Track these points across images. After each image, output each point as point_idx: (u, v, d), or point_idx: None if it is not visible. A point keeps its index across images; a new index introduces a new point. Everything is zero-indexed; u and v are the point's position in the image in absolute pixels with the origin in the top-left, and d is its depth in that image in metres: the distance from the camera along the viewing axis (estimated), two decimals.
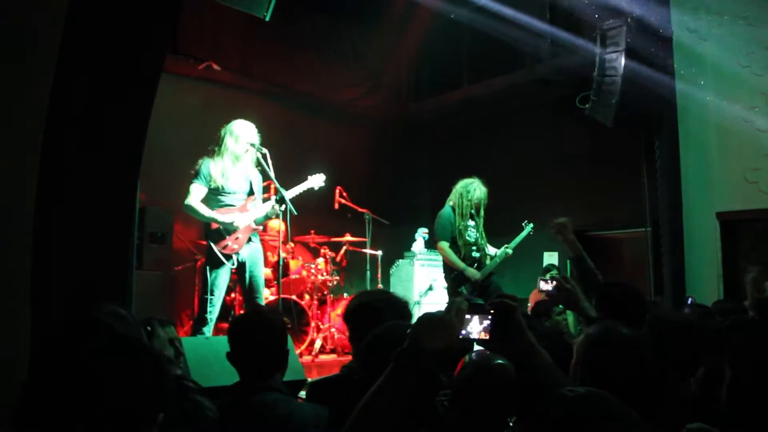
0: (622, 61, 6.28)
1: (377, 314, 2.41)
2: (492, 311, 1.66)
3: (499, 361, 2.12)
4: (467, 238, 6.16)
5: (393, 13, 9.35)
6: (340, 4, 8.92)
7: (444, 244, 6.16)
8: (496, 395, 2.03)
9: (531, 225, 6.40)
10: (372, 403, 1.43)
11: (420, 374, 1.44)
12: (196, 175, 5.07)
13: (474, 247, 6.19)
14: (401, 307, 2.59)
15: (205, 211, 5.03)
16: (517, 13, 7.58)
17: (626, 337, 2.01)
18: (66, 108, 2.65)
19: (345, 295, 7.98)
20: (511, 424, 2.13)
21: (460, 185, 6.30)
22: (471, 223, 6.25)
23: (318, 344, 7.05)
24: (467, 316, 1.62)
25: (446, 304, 1.61)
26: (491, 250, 6.39)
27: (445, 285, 6.47)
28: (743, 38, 6.38)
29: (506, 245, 6.29)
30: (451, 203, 6.30)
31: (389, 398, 1.43)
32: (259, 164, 5.18)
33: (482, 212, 6.25)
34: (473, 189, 6.21)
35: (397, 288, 8.01)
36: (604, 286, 3.09)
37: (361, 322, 2.51)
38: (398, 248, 8.62)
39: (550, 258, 8.49)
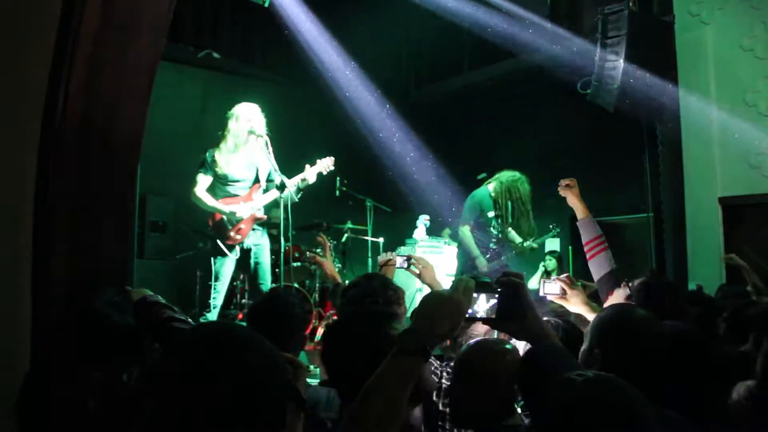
0: (624, 46, 6.24)
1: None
2: (499, 289, 1.58)
3: (507, 346, 2.12)
4: (491, 229, 6.12)
5: None
6: None
7: (465, 229, 6.12)
8: (501, 380, 2.02)
9: (558, 229, 6.31)
10: (377, 385, 1.35)
11: (426, 355, 1.37)
12: (202, 165, 5.07)
13: (494, 240, 6.16)
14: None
15: (209, 201, 5.03)
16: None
17: (642, 318, 1.97)
18: (65, 96, 2.64)
19: (347, 282, 7.95)
20: (519, 409, 2.12)
21: (506, 176, 6.18)
22: (502, 213, 6.19)
23: (321, 332, 7.06)
24: (474, 295, 1.53)
25: (452, 282, 1.52)
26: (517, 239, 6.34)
27: (454, 270, 6.47)
28: (746, 21, 6.33)
29: (533, 239, 6.21)
30: (490, 187, 6.20)
31: (394, 380, 1.35)
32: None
33: (529, 206, 6.13)
34: (518, 184, 6.11)
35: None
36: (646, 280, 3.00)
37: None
38: (400, 235, 8.61)
39: (552, 244, 8.48)
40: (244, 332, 1.23)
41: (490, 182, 6.24)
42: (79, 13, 2.59)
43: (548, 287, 2.87)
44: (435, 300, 1.46)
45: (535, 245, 6.21)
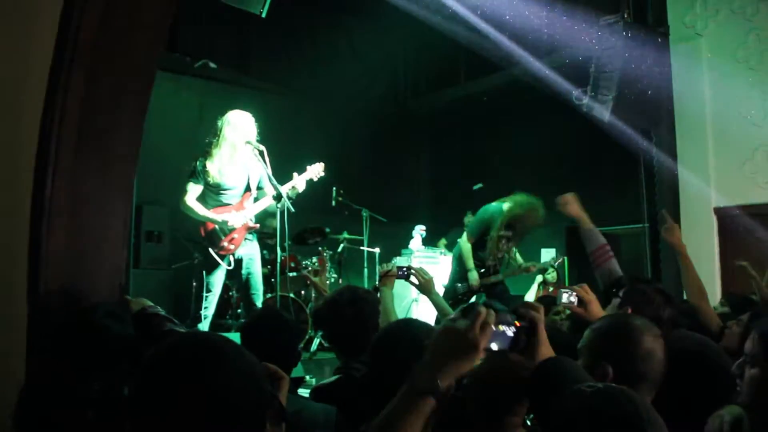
0: (619, 56, 6.27)
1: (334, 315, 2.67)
2: (516, 323, 1.51)
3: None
4: (492, 247, 6.10)
5: (390, 8, 9.32)
6: (337, 1, 8.90)
7: (465, 241, 6.11)
8: (513, 391, 2.01)
9: (558, 260, 6.29)
10: (386, 424, 1.30)
11: (438, 395, 1.30)
12: (192, 173, 5.02)
13: (491, 257, 6.14)
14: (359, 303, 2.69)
15: (201, 210, 4.99)
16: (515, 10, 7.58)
17: (635, 326, 1.95)
18: (62, 106, 2.63)
19: None
20: (528, 422, 2.10)
21: (527, 200, 6.09)
22: (507, 234, 6.17)
23: (316, 342, 7.04)
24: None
25: (462, 310, 1.41)
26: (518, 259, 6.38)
27: (447, 280, 6.46)
28: (740, 33, 6.37)
29: (534, 262, 6.27)
30: (506, 207, 6.09)
31: (404, 419, 1.28)
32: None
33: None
34: (534, 212, 6.04)
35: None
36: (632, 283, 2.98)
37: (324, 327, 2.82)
38: (396, 245, 8.61)
39: (548, 254, 8.48)
40: (221, 342, 1.22)
41: (506, 201, 6.16)
42: (78, 20, 2.59)
43: (566, 297, 2.84)
44: (451, 335, 1.38)
45: (533, 268, 6.24)
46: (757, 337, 1.87)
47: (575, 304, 2.81)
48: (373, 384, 1.77)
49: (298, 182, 5.17)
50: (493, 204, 6.18)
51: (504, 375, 2.04)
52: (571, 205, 3.64)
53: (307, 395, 2.67)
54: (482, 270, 6.09)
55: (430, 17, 8.70)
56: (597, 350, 1.88)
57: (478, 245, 6.11)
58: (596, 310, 2.81)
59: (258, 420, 1.18)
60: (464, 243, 6.13)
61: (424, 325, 1.87)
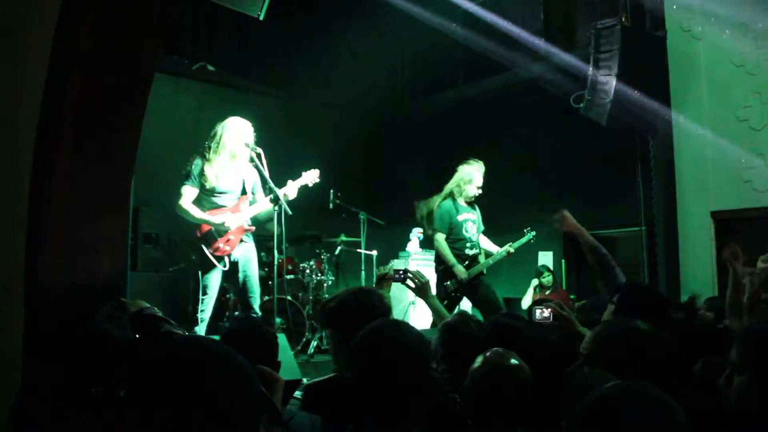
0: (616, 60, 6.29)
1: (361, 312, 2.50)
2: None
3: (514, 361, 2.12)
4: (463, 233, 6.11)
5: (388, 12, 9.35)
6: (335, 4, 8.91)
7: (439, 236, 6.11)
8: (511, 395, 2.03)
9: (533, 233, 6.28)
10: None
11: None
12: (187, 176, 5.01)
13: (469, 244, 6.13)
14: (378, 303, 2.64)
15: (196, 212, 4.98)
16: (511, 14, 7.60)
17: (643, 331, 1.97)
18: (58, 108, 2.63)
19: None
20: None
21: (461, 171, 6.21)
22: (470, 216, 6.19)
23: (313, 344, 7.04)
24: None
25: None
26: (493, 247, 6.31)
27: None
28: (737, 37, 6.39)
29: (510, 243, 6.18)
30: (450, 192, 6.22)
31: None
32: (252, 163, 5.12)
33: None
34: (473, 175, 6.13)
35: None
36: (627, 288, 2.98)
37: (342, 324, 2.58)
38: (393, 248, 8.61)
39: (545, 258, 8.49)
40: (212, 345, 1.23)
41: (446, 196, 6.26)
42: (75, 21, 2.59)
43: (539, 314, 2.87)
44: None
45: (511, 249, 6.17)
46: (742, 345, 1.87)
47: (549, 319, 2.84)
48: (357, 384, 1.78)
49: (290, 190, 5.15)
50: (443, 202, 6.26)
51: (502, 378, 2.06)
52: (566, 222, 3.66)
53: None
54: (465, 263, 6.08)
55: (429, 20, 8.74)
56: (608, 357, 1.90)
57: (451, 239, 6.13)
58: (572, 327, 2.84)
59: (251, 422, 1.18)
60: (440, 239, 6.11)
61: (409, 328, 1.89)
